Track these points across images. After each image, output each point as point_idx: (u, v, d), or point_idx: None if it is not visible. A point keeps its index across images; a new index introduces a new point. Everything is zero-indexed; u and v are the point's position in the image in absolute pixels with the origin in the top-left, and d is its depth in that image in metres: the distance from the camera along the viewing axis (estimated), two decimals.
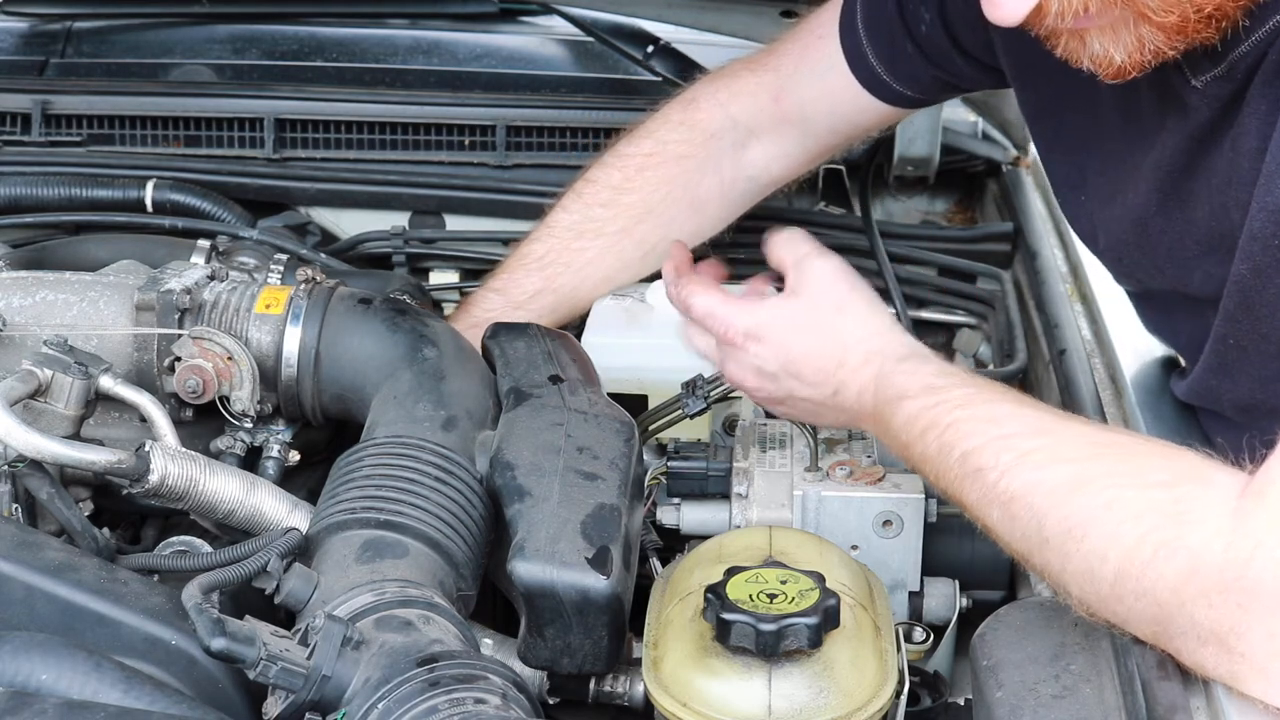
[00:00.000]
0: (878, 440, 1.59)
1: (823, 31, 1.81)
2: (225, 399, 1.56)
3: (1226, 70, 1.30)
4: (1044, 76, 1.55)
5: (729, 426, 1.71)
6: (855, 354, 1.43)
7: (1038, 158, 2.22)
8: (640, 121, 1.95)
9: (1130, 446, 1.21)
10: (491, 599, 1.54)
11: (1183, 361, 1.58)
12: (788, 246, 1.52)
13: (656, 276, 1.92)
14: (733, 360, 1.51)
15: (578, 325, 1.89)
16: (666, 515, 1.59)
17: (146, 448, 1.41)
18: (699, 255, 1.97)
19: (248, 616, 1.21)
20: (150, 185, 2.16)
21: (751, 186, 1.94)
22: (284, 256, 1.92)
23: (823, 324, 1.46)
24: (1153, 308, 1.61)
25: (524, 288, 1.89)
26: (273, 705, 1.20)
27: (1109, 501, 1.16)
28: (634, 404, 1.68)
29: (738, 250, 2.21)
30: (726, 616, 1.24)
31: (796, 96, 1.85)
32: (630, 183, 1.90)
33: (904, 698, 1.32)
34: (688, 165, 1.89)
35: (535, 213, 2.00)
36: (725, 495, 1.57)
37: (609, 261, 1.90)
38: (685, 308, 1.54)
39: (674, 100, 1.94)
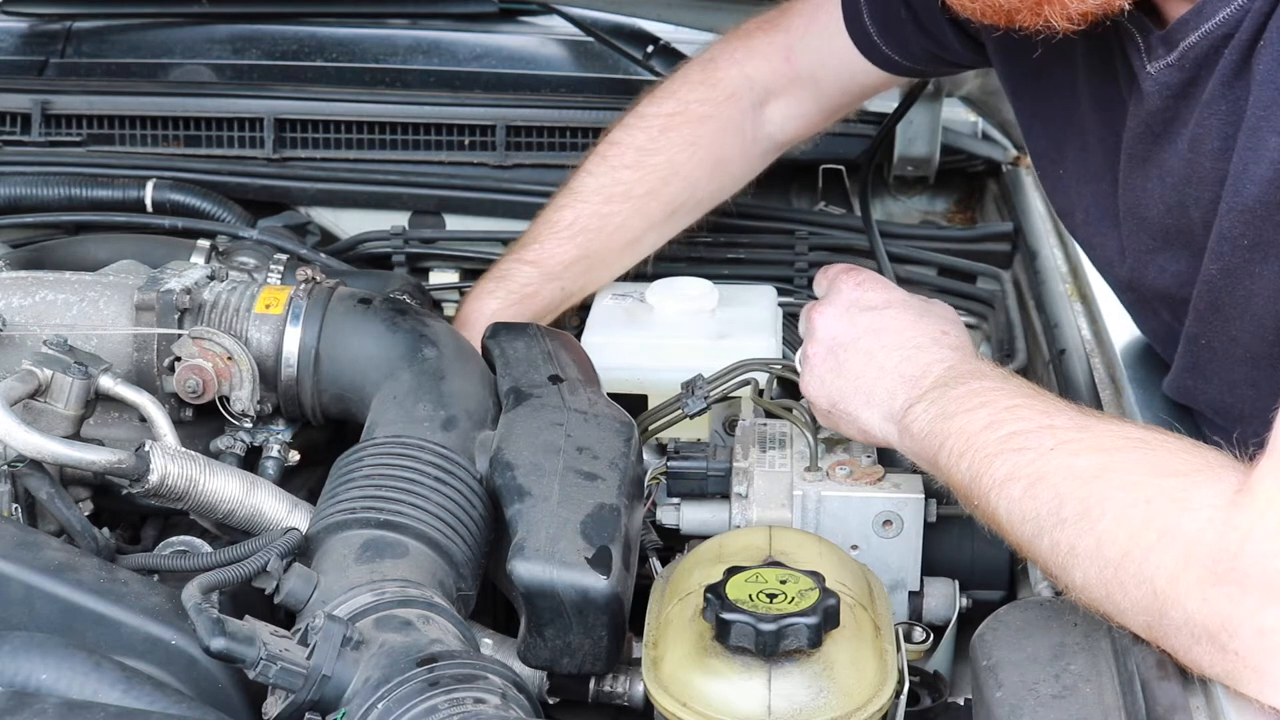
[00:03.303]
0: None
1: None
2: (225, 399, 1.56)
3: (1177, 59, 1.31)
4: (1023, 51, 1.55)
5: (729, 426, 1.70)
6: (949, 339, 1.48)
7: None
8: (660, 81, 1.97)
9: (1159, 441, 1.22)
10: (491, 599, 1.54)
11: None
12: None
13: (658, 277, 1.93)
14: (834, 293, 1.54)
15: (578, 325, 1.89)
16: (666, 515, 1.58)
17: (146, 448, 1.41)
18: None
19: (248, 616, 1.21)
20: (150, 185, 2.16)
21: (771, 144, 1.96)
22: (284, 256, 1.92)
23: (932, 314, 1.52)
24: (1125, 300, 1.62)
25: (558, 257, 1.89)
26: (273, 705, 1.20)
27: (1126, 485, 1.17)
28: (634, 404, 1.68)
29: (738, 250, 2.21)
30: (726, 616, 1.23)
31: (806, 58, 1.87)
32: (655, 143, 1.90)
33: (904, 698, 1.32)
34: (711, 125, 1.90)
35: (535, 213, 2.00)
36: (725, 495, 1.57)
37: (637, 224, 1.91)
38: (828, 267, 1.60)
39: (694, 60, 1.96)
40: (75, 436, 1.46)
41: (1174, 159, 1.35)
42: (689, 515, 1.58)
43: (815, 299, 1.58)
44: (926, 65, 1.84)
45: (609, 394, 1.63)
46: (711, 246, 2.19)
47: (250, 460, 1.59)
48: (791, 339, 1.89)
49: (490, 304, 1.87)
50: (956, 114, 2.40)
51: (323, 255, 2.07)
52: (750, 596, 1.25)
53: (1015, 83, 1.64)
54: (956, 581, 1.56)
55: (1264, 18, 1.23)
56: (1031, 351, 1.97)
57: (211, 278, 1.66)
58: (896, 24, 1.75)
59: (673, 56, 2.42)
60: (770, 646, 1.22)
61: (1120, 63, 1.42)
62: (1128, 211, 1.46)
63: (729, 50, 1.93)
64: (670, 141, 1.90)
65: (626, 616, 1.37)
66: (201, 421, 1.58)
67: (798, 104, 1.92)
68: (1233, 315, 1.33)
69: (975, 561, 1.59)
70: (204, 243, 1.92)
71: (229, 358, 1.56)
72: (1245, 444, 1.14)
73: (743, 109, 1.91)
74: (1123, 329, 1.71)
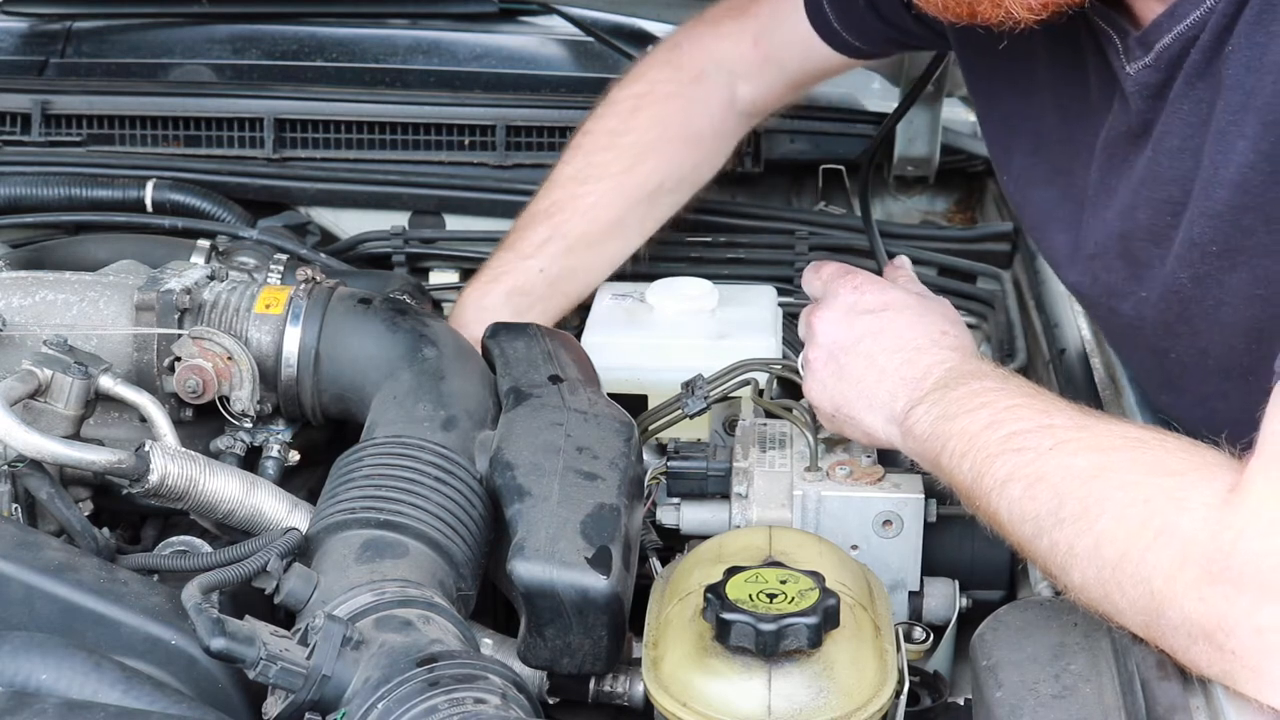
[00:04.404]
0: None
1: None
2: (225, 399, 1.56)
3: (1153, 60, 1.31)
4: (983, 52, 1.55)
5: (729, 426, 1.70)
6: (949, 339, 1.47)
7: None
8: (629, 67, 1.99)
9: (1157, 440, 1.21)
10: (491, 599, 1.54)
11: None
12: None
13: (657, 276, 1.93)
14: (831, 296, 1.53)
15: (578, 325, 1.89)
16: (666, 515, 1.58)
17: (146, 448, 1.41)
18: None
19: (248, 616, 1.21)
20: (150, 185, 2.16)
21: (740, 120, 1.99)
22: (284, 256, 1.92)
23: (931, 314, 1.51)
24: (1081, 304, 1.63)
25: (531, 239, 1.90)
26: (272, 705, 1.20)
27: (1124, 485, 1.17)
28: (634, 404, 1.67)
29: (738, 250, 2.21)
30: (726, 616, 1.23)
31: (772, 41, 1.90)
32: (625, 125, 1.93)
33: (904, 698, 1.32)
34: (678, 103, 1.93)
35: None
36: (725, 495, 1.57)
37: (615, 201, 1.92)
38: (819, 266, 1.59)
39: (660, 45, 2.00)
40: (75, 436, 1.46)
41: (1139, 159, 1.35)
42: (689, 515, 1.58)
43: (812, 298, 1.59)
44: (889, 49, 1.89)
45: (609, 394, 1.63)
46: (711, 246, 2.19)
47: (250, 460, 1.59)
48: (792, 339, 1.89)
49: (470, 291, 1.90)
50: (956, 114, 2.40)
51: (323, 255, 2.07)
52: (750, 596, 1.25)
53: (973, 84, 1.66)
54: (956, 581, 1.56)
55: (1227, 19, 1.23)
56: (1031, 351, 1.97)
57: (211, 278, 1.66)
58: (856, 13, 1.79)
59: None
60: (770, 646, 1.22)
61: (1095, 64, 1.41)
62: (1094, 215, 1.45)
63: (695, 35, 1.96)
64: (640, 121, 1.92)
65: (626, 616, 1.37)
66: (201, 421, 1.58)
67: (765, 85, 1.95)
68: (1201, 327, 1.33)
69: (975, 561, 1.59)
70: (204, 243, 1.92)
71: (229, 358, 1.56)
72: (1234, 445, 1.14)
73: (710, 89, 1.94)
74: None
